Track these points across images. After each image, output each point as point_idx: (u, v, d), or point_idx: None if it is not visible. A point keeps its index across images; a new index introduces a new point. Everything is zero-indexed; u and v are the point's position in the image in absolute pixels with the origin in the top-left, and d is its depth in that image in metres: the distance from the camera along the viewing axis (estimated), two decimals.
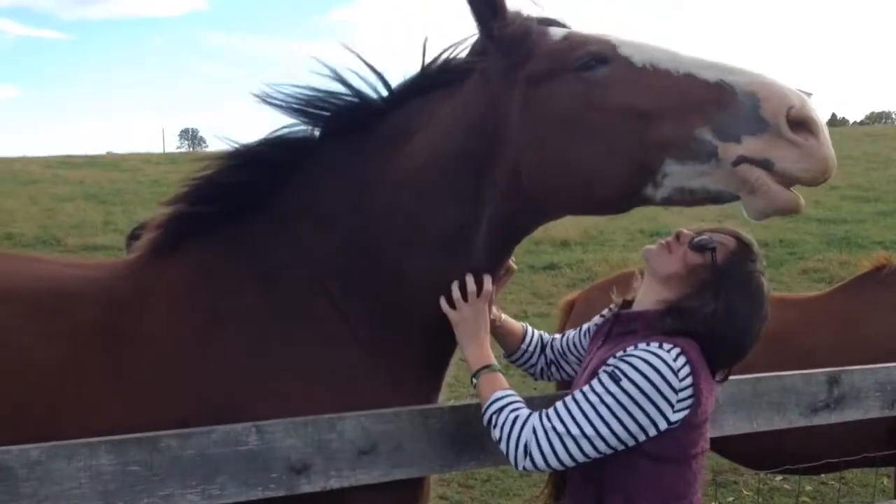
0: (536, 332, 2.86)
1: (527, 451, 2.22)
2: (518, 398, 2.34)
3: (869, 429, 3.86)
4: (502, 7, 2.37)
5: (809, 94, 2.17)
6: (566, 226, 16.80)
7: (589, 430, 2.19)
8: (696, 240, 2.40)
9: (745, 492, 6.54)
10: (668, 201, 2.25)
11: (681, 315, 2.32)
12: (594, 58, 2.26)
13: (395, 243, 2.48)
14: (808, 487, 6.55)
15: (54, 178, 28.08)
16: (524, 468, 2.25)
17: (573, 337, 2.80)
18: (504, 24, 2.36)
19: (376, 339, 2.49)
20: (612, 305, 2.67)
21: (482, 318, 2.45)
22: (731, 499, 6.47)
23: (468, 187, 2.41)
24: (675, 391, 2.20)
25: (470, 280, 2.44)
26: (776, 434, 3.04)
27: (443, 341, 2.55)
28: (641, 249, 2.57)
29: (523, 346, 2.79)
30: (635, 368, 2.20)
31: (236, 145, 2.62)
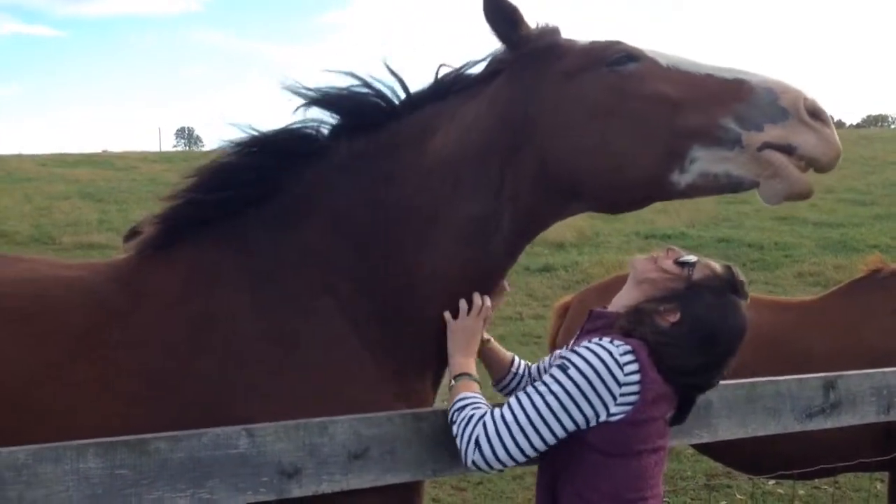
0: (524, 362, 2.88)
1: (476, 444, 2.25)
2: (483, 400, 2.36)
3: (863, 433, 3.86)
4: (520, 19, 2.52)
5: None
6: (562, 228, 16.79)
7: (536, 419, 2.24)
8: (682, 257, 2.46)
9: (738, 496, 6.52)
10: (691, 187, 2.38)
11: (636, 316, 2.39)
12: (627, 55, 2.44)
13: (414, 240, 2.50)
14: (802, 492, 6.54)
15: (49, 175, 28.03)
16: (473, 463, 2.27)
17: (547, 361, 2.82)
18: (528, 35, 2.53)
19: (383, 340, 2.49)
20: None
21: (476, 332, 2.54)
22: (724, 503, 6.45)
23: (492, 182, 2.49)
24: (619, 384, 2.25)
25: (477, 296, 2.54)
26: (770, 438, 3.03)
27: (445, 343, 2.56)
28: (629, 259, 2.61)
29: (513, 371, 2.81)
30: (582, 358, 2.27)
31: (247, 133, 2.61)
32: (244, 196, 2.56)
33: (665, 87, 2.38)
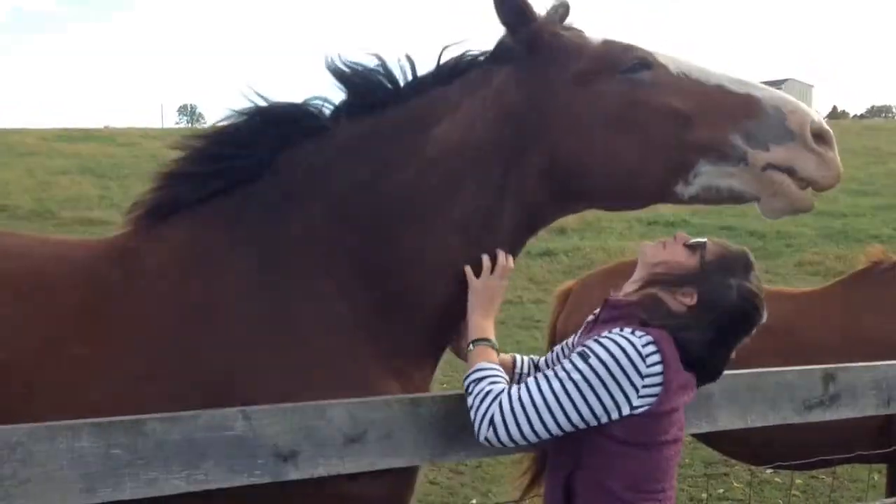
0: (526, 358, 2.85)
1: (491, 422, 2.24)
2: (500, 373, 2.34)
3: (862, 425, 3.85)
4: (531, 13, 2.50)
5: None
6: None
7: (553, 404, 2.23)
8: (691, 241, 2.46)
9: (735, 484, 6.54)
10: (694, 199, 2.45)
11: (652, 304, 2.38)
12: (641, 62, 2.45)
13: (414, 226, 2.48)
14: (799, 481, 6.55)
15: (50, 151, 27.97)
16: (486, 440, 2.26)
17: (559, 350, 2.78)
18: (540, 29, 2.50)
19: (381, 325, 2.47)
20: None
21: (498, 294, 2.51)
22: (721, 490, 6.47)
23: (495, 175, 2.48)
24: (642, 376, 2.23)
25: (501, 255, 2.51)
26: (768, 429, 3.02)
27: (444, 330, 2.57)
28: (639, 245, 2.61)
29: (517, 372, 2.78)
30: (605, 348, 2.25)
31: (251, 103, 2.58)
32: (242, 168, 2.52)
33: (677, 100, 2.40)
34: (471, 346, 2.41)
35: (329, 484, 2.28)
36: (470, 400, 2.30)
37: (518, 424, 2.22)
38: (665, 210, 19.55)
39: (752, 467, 5.24)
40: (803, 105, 2.39)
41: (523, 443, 2.26)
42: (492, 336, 2.43)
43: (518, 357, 2.82)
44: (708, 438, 4.63)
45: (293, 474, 2.23)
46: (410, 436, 2.37)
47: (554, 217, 2.64)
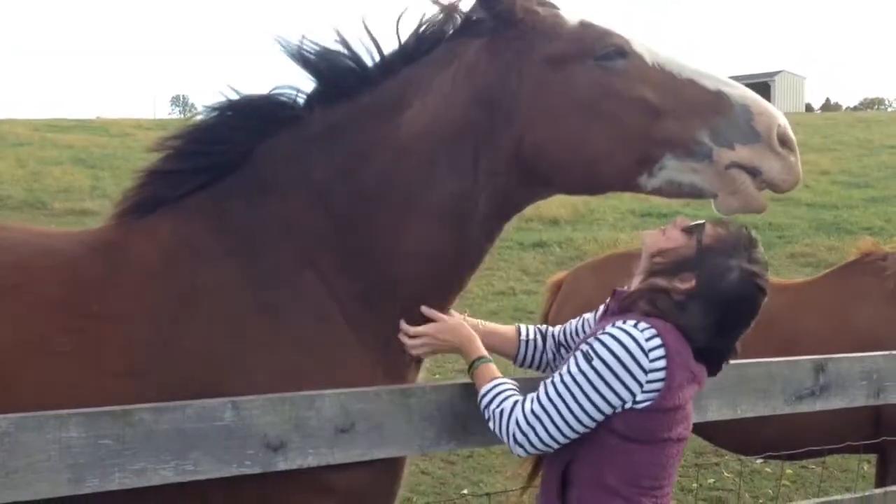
0: (531, 326, 2.85)
1: (516, 440, 2.28)
2: (506, 385, 2.36)
3: (852, 416, 3.86)
4: None
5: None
6: (556, 204, 16.78)
7: (564, 411, 2.24)
8: (689, 224, 2.42)
9: (725, 474, 6.56)
10: (656, 191, 2.45)
11: (651, 294, 2.37)
12: (617, 50, 2.43)
13: (392, 214, 2.47)
14: (789, 471, 6.57)
15: (42, 141, 27.77)
16: (518, 455, 2.34)
17: (577, 324, 2.76)
18: (510, 5, 2.45)
19: (363, 315, 2.46)
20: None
21: (456, 324, 2.54)
22: (711, 480, 6.49)
23: (468, 158, 2.47)
24: (645, 371, 2.22)
25: (425, 309, 2.52)
26: (759, 420, 3.03)
27: (426, 318, 2.54)
28: (640, 235, 2.61)
29: (522, 339, 2.77)
30: (605, 346, 2.24)
31: (225, 97, 2.56)
32: (220, 163, 2.52)
33: (648, 92, 2.40)
34: (470, 370, 2.45)
35: (317, 475, 2.28)
36: (490, 424, 2.34)
37: (538, 436, 2.26)
38: (658, 202, 19.52)
39: (743, 457, 5.25)
40: (771, 107, 2.41)
41: (555, 446, 2.29)
42: (483, 353, 2.47)
43: (522, 327, 2.81)
44: (699, 428, 4.64)
45: (282, 464, 2.23)
46: (400, 426, 2.37)
47: (524, 202, 2.62)
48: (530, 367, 2.82)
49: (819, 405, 3.03)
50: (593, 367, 2.23)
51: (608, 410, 2.24)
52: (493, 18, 2.48)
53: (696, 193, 2.45)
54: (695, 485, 6.29)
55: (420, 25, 2.57)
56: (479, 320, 2.74)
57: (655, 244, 2.45)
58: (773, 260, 15.04)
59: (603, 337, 2.26)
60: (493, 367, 2.42)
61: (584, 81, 2.42)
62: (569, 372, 2.27)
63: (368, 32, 2.57)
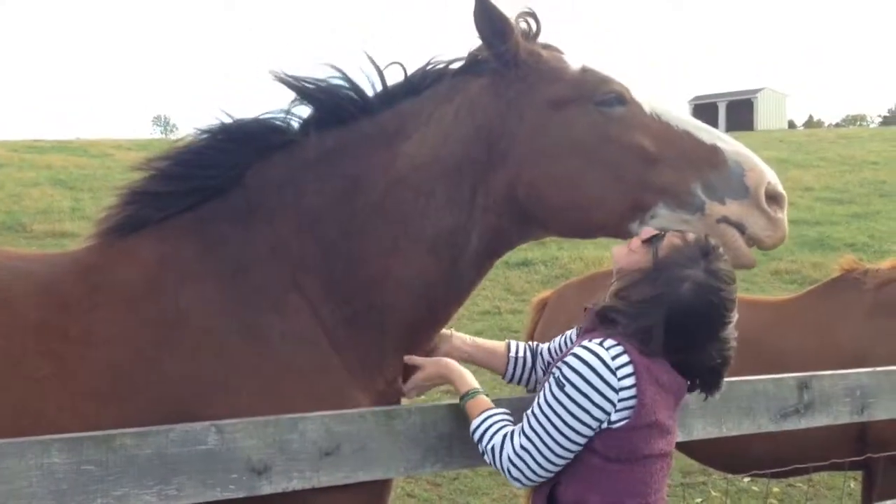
0: (521, 343, 2.85)
1: (511, 475, 2.30)
2: (496, 418, 2.37)
3: (837, 433, 3.87)
4: (510, 31, 2.49)
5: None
6: None
7: (549, 440, 2.25)
8: (648, 235, 2.42)
9: (713, 493, 6.55)
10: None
11: (606, 311, 2.36)
12: (617, 97, 2.48)
13: (384, 244, 2.46)
14: (776, 489, 6.58)
15: (20, 162, 27.59)
16: (519, 487, 2.38)
17: (560, 341, 2.76)
18: (516, 48, 2.49)
19: (350, 340, 2.45)
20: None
21: (442, 362, 2.56)
22: (699, 500, 6.48)
23: (465, 193, 2.48)
24: (615, 390, 2.22)
25: (408, 358, 2.56)
26: (744, 438, 3.03)
27: (414, 345, 2.55)
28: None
29: (511, 356, 2.77)
30: (573, 369, 2.24)
31: (217, 120, 2.57)
32: (209, 186, 2.51)
33: (645, 140, 2.43)
34: (462, 403, 2.44)
35: (302, 498, 2.26)
36: (486, 459, 2.36)
37: (531, 468, 2.27)
38: None
39: (729, 476, 5.25)
40: (763, 164, 2.44)
41: (551, 473, 2.30)
42: (474, 384, 2.46)
43: (513, 343, 2.81)
44: (685, 447, 4.64)
45: (267, 488, 2.21)
46: (385, 449, 2.36)
47: (516, 241, 2.64)
48: (518, 383, 2.82)
49: (804, 423, 3.03)
50: (566, 394, 2.23)
51: (589, 433, 2.24)
52: (498, 59, 2.51)
53: None
54: None
55: (427, 64, 2.61)
56: (468, 336, 2.74)
57: (619, 260, 2.46)
58: (758, 277, 15.09)
59: (569, 359, 2.26)
60: (484, 399, 2.42)
61: (583, 125, 2.45)
62: (545, 401, 2.27)
63: (372, 61, 2.60)
